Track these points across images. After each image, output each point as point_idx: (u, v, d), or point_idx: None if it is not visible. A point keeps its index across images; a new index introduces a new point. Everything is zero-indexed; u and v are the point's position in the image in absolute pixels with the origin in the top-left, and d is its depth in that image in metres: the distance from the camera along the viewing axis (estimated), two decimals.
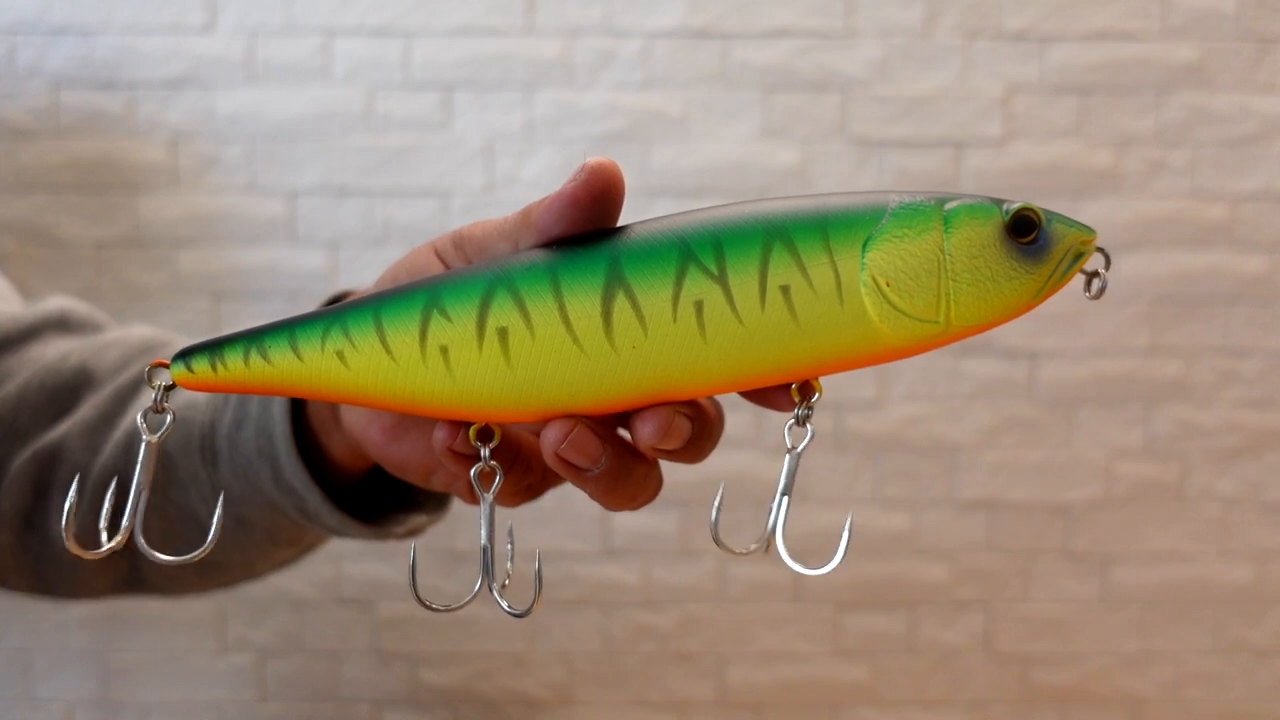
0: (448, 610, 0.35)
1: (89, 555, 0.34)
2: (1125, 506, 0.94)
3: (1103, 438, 0.93)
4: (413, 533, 0.50)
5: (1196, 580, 0.95)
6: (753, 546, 0.36)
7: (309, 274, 0.91)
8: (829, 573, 0.35)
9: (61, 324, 0.57)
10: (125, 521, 0.35)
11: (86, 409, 0.52)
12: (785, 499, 0.35)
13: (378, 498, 0.49)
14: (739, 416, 0.92)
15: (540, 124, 0.91)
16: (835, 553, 0.35)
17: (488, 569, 0.35)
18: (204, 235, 0.91)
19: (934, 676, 0.95)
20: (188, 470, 0.48)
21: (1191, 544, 0.94)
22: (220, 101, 0.91)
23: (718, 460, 0.92)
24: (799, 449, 0.35)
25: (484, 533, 0.35)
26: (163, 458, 0.49)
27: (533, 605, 0.35)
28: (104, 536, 0.35)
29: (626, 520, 0.94)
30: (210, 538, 0.36)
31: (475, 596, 0.35)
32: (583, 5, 0.91)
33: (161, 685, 0.95)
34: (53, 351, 0.55)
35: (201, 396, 0.49)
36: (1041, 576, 0.95)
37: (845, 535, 0.36)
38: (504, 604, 0.35)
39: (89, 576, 0.53)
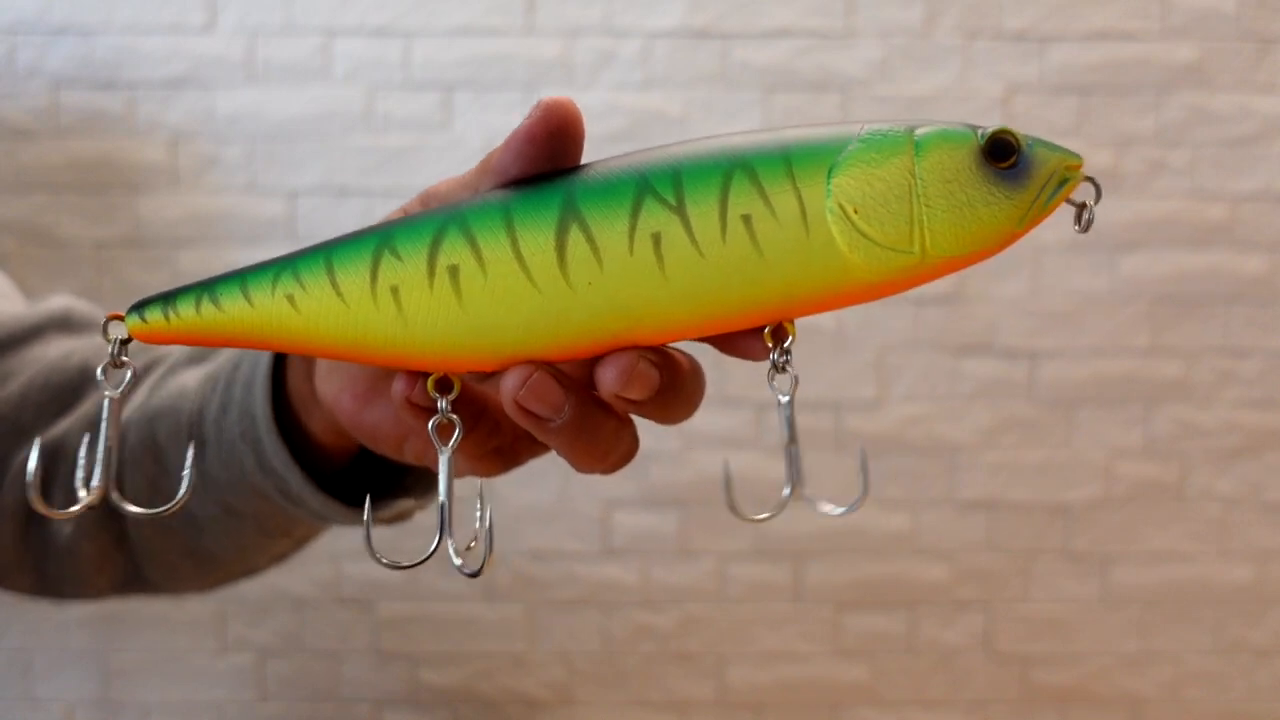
0: (397, 567, 0.34)
1: (59, 515, 0.34)
2: (1125, 506, 0.94)
3: (1103, 438, 0.93)
4: (399, 518, 0.50)
5: (1196, 580, 0.95)
6: (770, 513, 0.35)
7: None
8: (851, 511, 0.34)
9: (64, 323, 0.57)
10: (96, 481, 0.34)
11: (88, 406, 0.52)
12: (795, 448, 0.34)
13: (365, 486, 0.49)
14: (739, 416, 0.92)
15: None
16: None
17: (444, 527, 0.33)
18: (204, 235, 0.91)
19: (934, 676, 0.95)
20: (177, 460, 0.49)
21: (1191, 544, 0.94)
22: (220, 101, 0.91)
23: (717, 460, 0.92)
24: (789, 397, 0.34)
25: (441, 488, 0.34)
26: (153, 448, 0.49)
27: (483, 565, 0.33)
28: (80, 493, 0.35)
29: (626, 520, 0.94)
30: (183, 490, 0.35)
31: (432, 555, 0.33)
32: (583, 5, 0.91)
33: (161, 685, 0.95)
34: (55, 350, 0.55)
35: (191, 384, 0.49)
36: (1041, 576, 0.95)
37: (862, 471, 0.34)
38: (457, 561, 0.33)
39: (90, 574, 0.54)
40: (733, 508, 0.34)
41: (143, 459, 0.50)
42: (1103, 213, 0.95)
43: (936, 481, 0.94)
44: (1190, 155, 0.92)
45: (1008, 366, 0.93)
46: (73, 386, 0.53)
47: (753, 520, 0.35)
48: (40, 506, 0.34)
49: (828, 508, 0.34)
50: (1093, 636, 0.95)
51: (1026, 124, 0.91)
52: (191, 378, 0.50)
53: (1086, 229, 0.33)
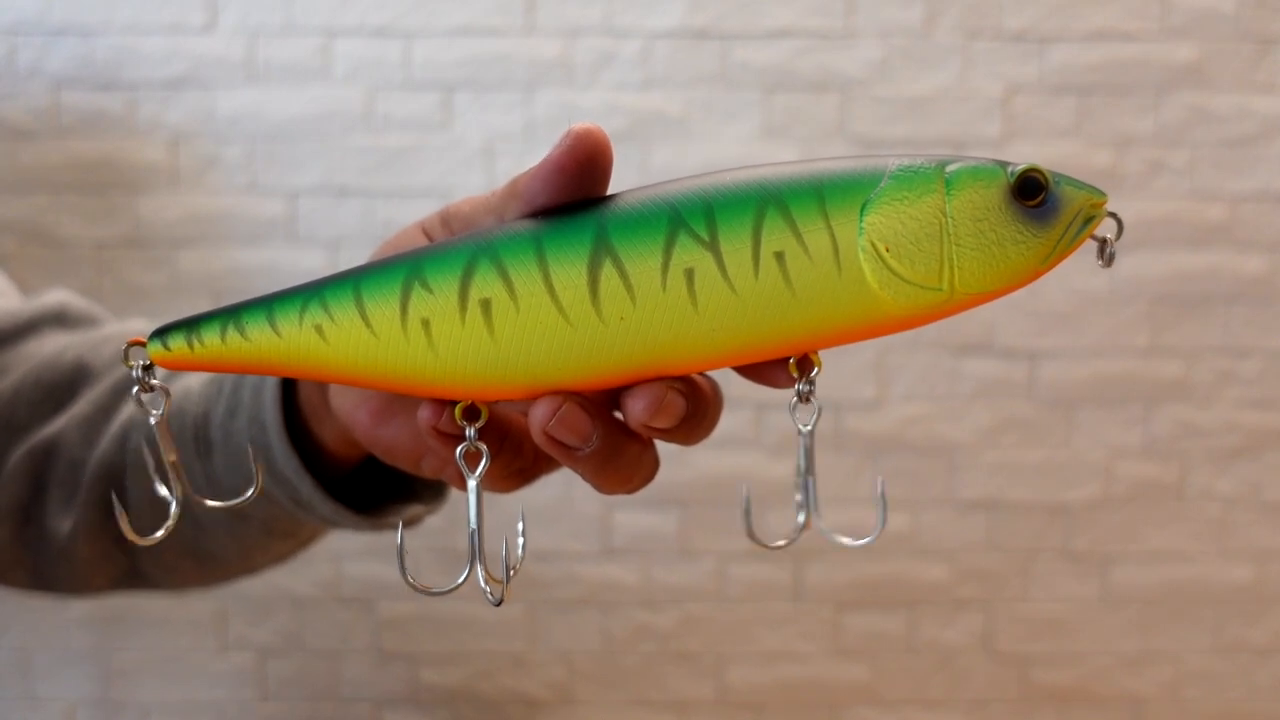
0: (429, 594, 0.34)
1: (145, 542, 0.35)
2: (1125, 506, 0.94)
3: (1103, 438, 0.93)
4: (408, 524, 0.49)
5: (1196, 580, 0.95)
6: (785, 541, 0.35)
7: (309, 274, 0.91)
8: (870, 542, 0.34)
9: (59, 319, 0.57)
10: (175, 508, 0.35)
11: (83, 403, 0.52)
12: (811, 480, 0.34)
13: (374, 490, 0.49)
14: (739, 416, 0.92)
15: (540, 124, 0.91)
16: (855, 537, 0.35)
17: (476, 555, 0.34)
18: (204, 235, 0.91)
19: (934, 676, 0.95)
20: (181, 460, 0.48)
21: (1191, 544, 0.94)
22: (220, 101, 0.91)
23: (717, 460, 0.92)
24: (810, 427, 0.34)
25: (471, 517, 0.34)
26: (156, 449, 0.49)
27: (503, 592, 0.33)
28: (160, 532, 0.36)
29: (626, 520, 0.94)
30: (171, 516, 0.35)
31: (464, 581, 0.34)
32: (583, 5, 0.91)
33: (162, 685, 0.95)
34: (50, 346, 0.55)
35: (195, 387, 0.49)
36: (1041, 576, 0.95)
37: (881, 498, 0.35)
38: (486, 590, 0.33)
39: (88, 572, 0.53)
40: (751, 535, 0.35)
41: (145, 460, 0.50)
42: None
43: (936, 481, 0.94)
44: (1190, 155, 0.92)
45: (1007, 366, 0.93)
46: (67, 383, 0.53)
47: (770, 548, 0.35)
48: (131, 535, 0.35)
49: (844, 540, 0.34)
50: (1093, 636, 0.95)
51: (1026, 124, 0.91)
52: (195, 380, 0.50)
53: (1109, 264, 0.33)
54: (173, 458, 0.35)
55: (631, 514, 0.94)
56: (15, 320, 0.56)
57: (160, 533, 0.35)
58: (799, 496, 0.35)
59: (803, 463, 0.34)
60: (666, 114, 0.91)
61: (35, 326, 0.56)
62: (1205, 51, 0.91)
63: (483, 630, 0.95)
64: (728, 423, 0.93)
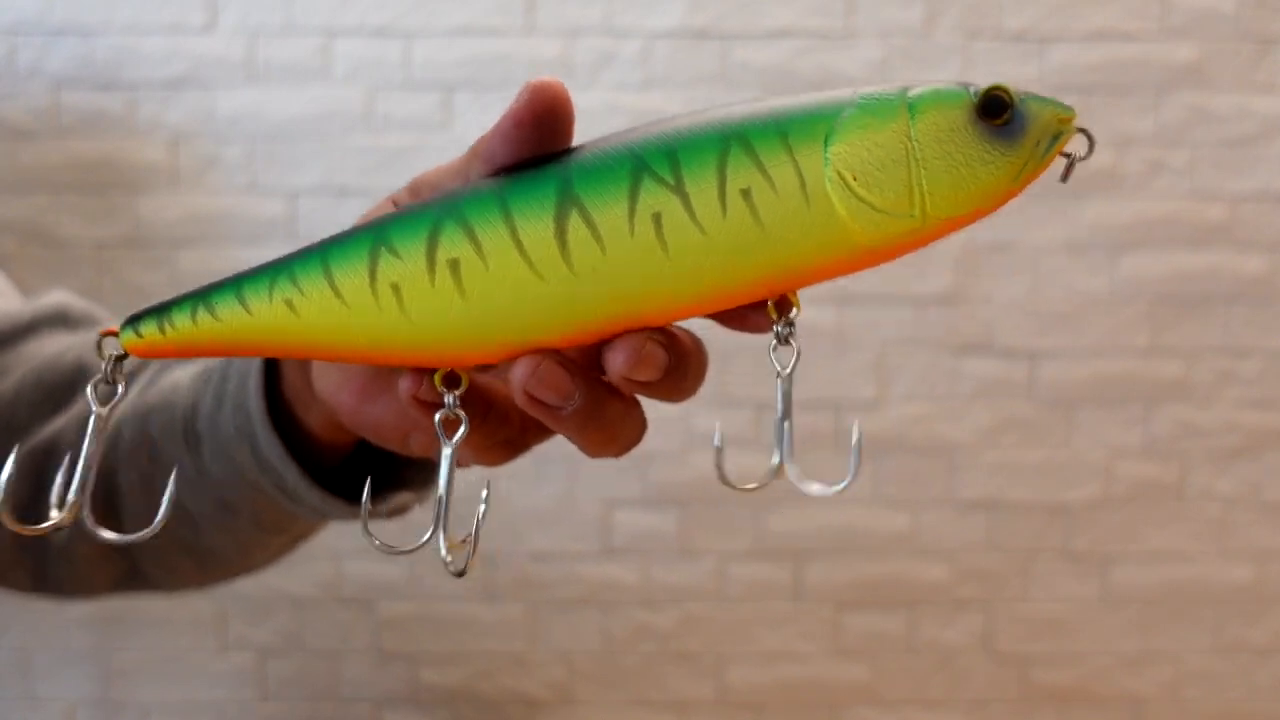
0: (392, 552, 0.34)
1: (28, 531, 0.34)
2: (1125, 506, 0.94)
3: (1103, 438, 0.93)
4: (397, 511, 0.49)
5: (1196, 580, 0.95)
6: (755, 485, 0.34)
7: None
8: (845, 488, 0.33)
9: (60, 319, 0.57)
10: (71, 497, 0.34)
11: (83, 403, 0.52)
12: (787, 424, 0.34)
13: (363, 480, 0.49)
14: (739, 416, 0.92)
15: None
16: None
17: (440, 520, 0.33)
18: (204, 235, 0.91)
19: (934, 676, 0.95)
20: (171, 456, 0.48)
21: (1191, 544, 0.94)
22: (220, 102, 0.91)
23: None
24: (788, 370, 0.33)
25: (441, 483, 0.33)
26: (148, 445, 0.49)
27: (466, 565, 0.33)
28: (52, 512, 0.34)
29: (626, 520, 0.94)
30: (160, 515, 0.35)
31: (423, 545, 0.33)
32: (583, 5, 0.91)
33: (162, 685, 0.95)
34: (51, 347, 0.55)
35: (184, 380, 0.49)
36: (1041, 576, 0.95)
37: (855, 446, 0.34)
38: (447, 558, 0.33)
39: (88, 572, 0.53)
40: (722, 478, 0.34)
41: (137, 456, 0.50)
42: (1102, 213, 0.95)
43: (936, 481, 0.94)
44: (1190, 155, 0.92)
45: (1008, 366, 0.93)
46: (67, 384, 0.53)
47: (741, 490, 0.34)
48: (9, 521, 0.34)
49: (815, 488, 0.34)
50: (1093, 636, 0.95)
51: None
52: (184, 373, 0.50)
53: (1066, 178, 0.33)
54: (92, 461, 0.34)
55: (631, 514, 0.94)
56: (16, 321, 0.56)
57: (45, 525, 0.34)
58: (775, 442, 0.34)
59: (780, 406, 0.34)
60: (666, 114, 0.91)
61: (35, 327, 0.56)
62: (1205, 51, 0.91)
63: (483, 630, 0.95)
64: (728, 423, 0.93)
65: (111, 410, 0.34)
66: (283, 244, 0.91)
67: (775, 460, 0.34)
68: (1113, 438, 0.93)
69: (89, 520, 0.34)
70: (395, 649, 0.95)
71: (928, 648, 0.95)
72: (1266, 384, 0.93)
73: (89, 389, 0.34)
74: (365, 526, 0.34)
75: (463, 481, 0.36)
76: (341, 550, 0.93)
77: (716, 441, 0.35)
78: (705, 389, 0.36)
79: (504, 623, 0.95)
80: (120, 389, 0.34)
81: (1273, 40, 0.91)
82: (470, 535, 0.34)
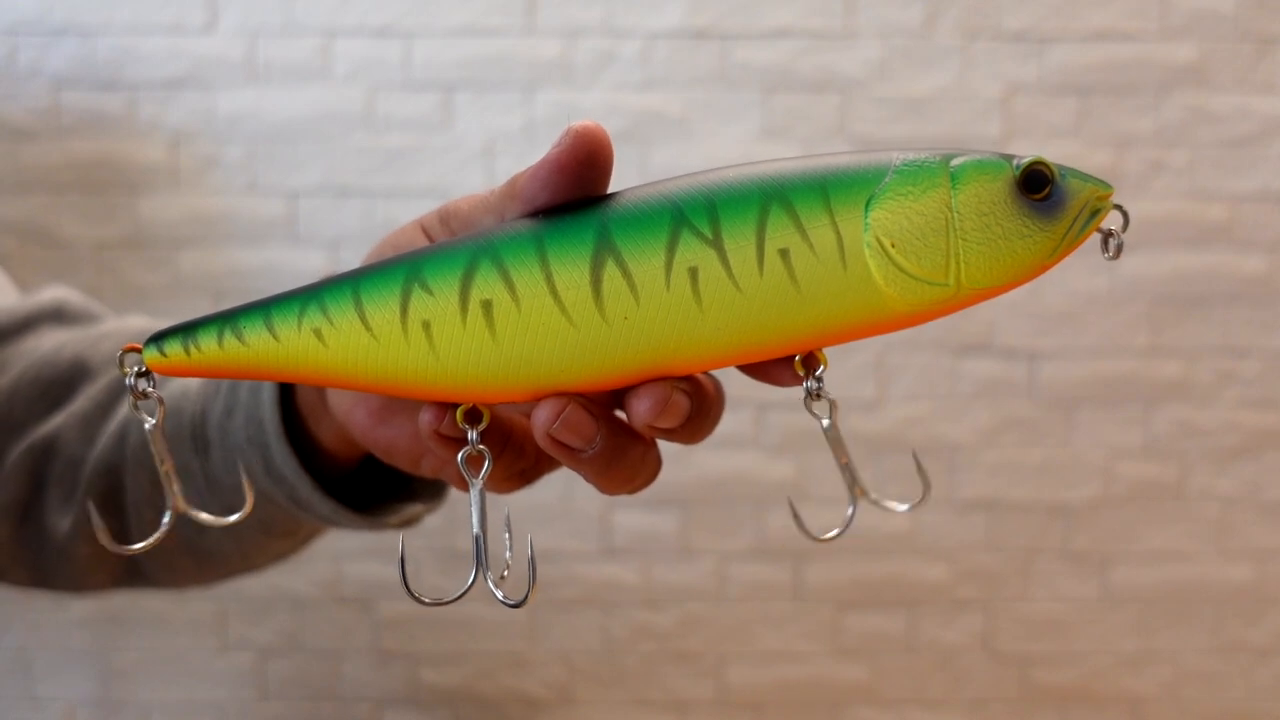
0: (438, 604, 0.34)
1: (125, 551, 0.35)
2: (1125, 506, 0.94)
3: (1102, 438, 0.94)
4: (408, 522, 0.49)
5: (1196, 580, 0.95)
6: (838, 530, 0.37)
7: (310, 274, 0.91)
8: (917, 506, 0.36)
9: (57, 315, 0.56)
10: (167, 519, 0.35)
11: (82, 401, 0.52)
12: (849, 465, 0.35)
13: (373, 488, 0.49)
14: (739, 416, 0.92)
15: (540, 124, 0.91)
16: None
17: (480, 559, 0.33)
18: (204, 235, 0.91)
19: (934, 676, 0.95)
20: (179, 460, 0.48)
21: (1191, 544, 0.94)
22: (221, 102, 0.91)
23: (718, 460, 0.92)
24: (828, 420, 0.34)
25: (474, 521, 0.33)
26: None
27: (528, 594, 0.33)
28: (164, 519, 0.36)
29: (626, 520, 0.94)
30: (162, 527, 0.35)
31: (470, 589, 0.33)
32: (583, 5, 0.91)
33: (161, 685, 0.95)
34: (48, 343, 0.54)
35: (193, 385, 0.49)
36: (1041, 576, 0.95)
37: (917, 463, 0.36)
38: (499, 594, 0.33)
39: (87, 569, 0.53)
40: (804, 530, 0.36)
41: (143, 457, 0.50)
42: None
43: (936, 481, 0.94)
44: (1189, 155, 0.92)
45: (1007, 366, 0.93)
46: (65, 380, 0.53)
47: (820, 540, 0.36)
48: (112, 546, 0.35)
49: (896, 506, 0.35)
50: (1092, 636, 0.95)
51: (1026, 124, 0.91)
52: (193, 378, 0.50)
53: (1117, 255, 0.33)
54: (167, 467, 0.35)
55: (632, 514, 0.94)
56: (13, 317, 0.55)
57: (141, 545, 0.34)
58: (850, 480, 0.36)
59: (836, 458, 0.35)
60: (666, 114, 0.91)
61: (33, 323, 0.56)
62: (1205, 51, 0.91)
63: (483, 630, 0.95)
64: (728, 422, 0.93)
65: (161, 421, 0.35)
66: (283, 244, 0.91)
67: (850, 511, 0.36)
68: (1112, 438, 0.94)
69: (190, 512, 0.36)
70: (395, 649, 0.95)
71: (928, 648, 0.95)
72: (1266, 384, 0.93)
73: (128, 407, 0.34)
74: (406, 586, 0.34)
75: (463, 502, 0.36)
76: (341, 550, 0.93)
77: (793, 507, 0.37)
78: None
79: (504, 623, 0.95)
80: (158, 401, 0.34)
81: (1273, 40, 0.91)
82: (505, 568, 0.35)
